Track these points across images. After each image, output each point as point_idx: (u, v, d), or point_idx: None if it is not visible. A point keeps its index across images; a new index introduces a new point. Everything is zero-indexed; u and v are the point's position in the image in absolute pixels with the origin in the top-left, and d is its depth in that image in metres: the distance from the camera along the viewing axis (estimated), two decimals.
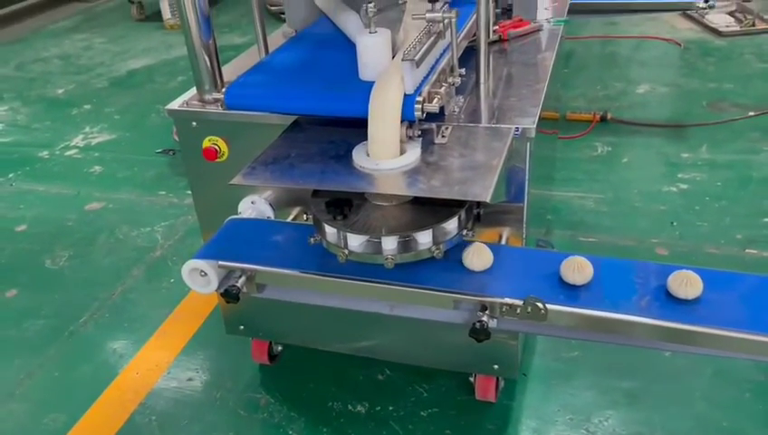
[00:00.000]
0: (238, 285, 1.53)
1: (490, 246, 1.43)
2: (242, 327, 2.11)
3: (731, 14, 4.93)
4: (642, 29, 4.81)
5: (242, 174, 1.42)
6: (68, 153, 3.82)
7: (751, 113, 3.53)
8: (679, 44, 4.54)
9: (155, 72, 4.97)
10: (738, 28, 4.69)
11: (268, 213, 1.81)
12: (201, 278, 1.57)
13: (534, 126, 1.49)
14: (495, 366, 1.87)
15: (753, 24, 4.71)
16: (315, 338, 2.08)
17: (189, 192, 3.25)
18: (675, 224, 2.72)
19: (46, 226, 3.10)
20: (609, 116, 3.57)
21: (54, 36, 5.99)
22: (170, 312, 2.50)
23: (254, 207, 1.81)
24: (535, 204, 2.00)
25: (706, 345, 1.27)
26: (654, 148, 3.33)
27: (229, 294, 1.53)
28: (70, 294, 2.64)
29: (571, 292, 1.35)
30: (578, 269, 1.35)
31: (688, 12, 4.83)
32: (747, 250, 2.52)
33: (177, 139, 3.45)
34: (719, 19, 4.82)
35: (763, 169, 3.05)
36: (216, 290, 1.57)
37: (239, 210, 1.81)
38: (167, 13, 5.86)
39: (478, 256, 1.40)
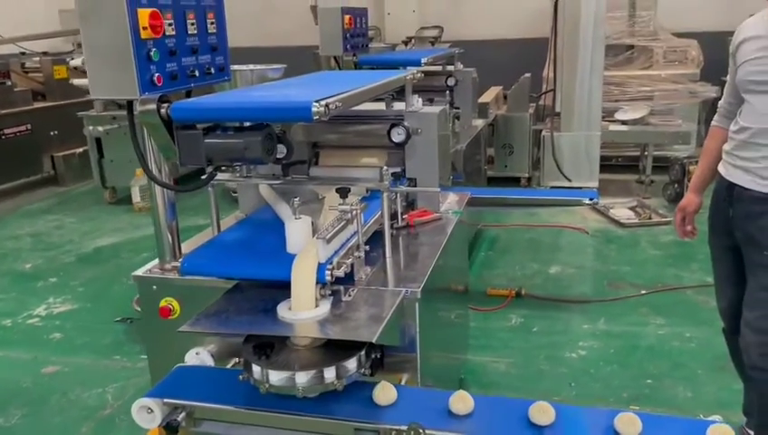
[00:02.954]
0: (179, 419, 1.84)
1: (472, 395, 1.73)
2: None
3: (632, 208, 5.73)
4: (557, 219, 5.53)
5: (188, 323, 1.80)
6: (30, 321, 4.09)
7: (643, 292, 4.09)
8: (587, 232, 5.24)
9: (121, 250, 5.40)
10: (637, 220, 5.45)
11: (209, 362, 2.15)
12: (148, 415, 1.87)
13: (419, 289, 1.94)
14: None
15: (650, 218, 5.48)
16: None
17: (143, 356, 3.55)
18: (573, 385, 3.11)
19: (2, 387, 3.30)
20: (523, 292, 4.08)
21: (29, 217, 6.46)
22: None
23: (198, 357, 2.15)
24: (438, 361, 2.40)
25: None
26: (560, 320, 3.81)
27: (170, 427, 1.84)
28: None
29: (538, 431, 1.65)
30: (543, 412, 1.67)
31: (596, 207, 5.61)
32: (631, 406, 2.90)
33: (137, 307, 3.84)
34: (621, 213, 5.60)
35: (648, 339, 3.52)
36: (159, 425, 1.87)
37: (185, 360, 2.15)
38: (136, 197, 6.43)
39: (463, 403, 1.72)
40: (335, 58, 4.29)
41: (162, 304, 2.15)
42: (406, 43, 6.95)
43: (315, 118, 1.69)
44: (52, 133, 7.57)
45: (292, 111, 1.73)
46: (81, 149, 7.53)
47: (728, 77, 2.36)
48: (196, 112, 1.82)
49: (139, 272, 2.19)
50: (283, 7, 8.84)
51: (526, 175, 6.68)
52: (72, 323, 4.05)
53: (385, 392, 1.73)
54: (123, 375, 3.39)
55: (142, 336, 2.33)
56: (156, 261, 2.22)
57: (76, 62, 6.57)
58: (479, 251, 4.92)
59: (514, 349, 3.49)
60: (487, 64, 5.91)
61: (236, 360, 2.14)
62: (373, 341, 1.64)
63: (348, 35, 4.20)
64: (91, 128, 6.46)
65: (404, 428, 1.69)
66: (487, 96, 6.30)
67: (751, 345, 2.18)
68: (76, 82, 6.48)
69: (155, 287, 2.16)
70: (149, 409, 1.86)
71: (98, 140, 6.59)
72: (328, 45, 4.19)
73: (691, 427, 1.70)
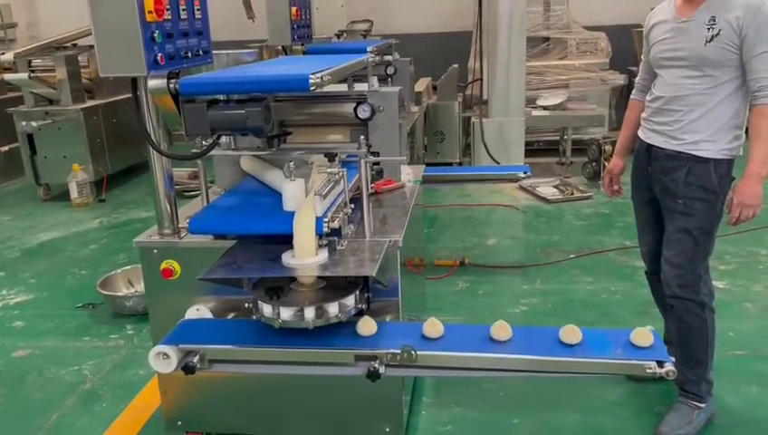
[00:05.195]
0: (194, 361, 2.07)
1: (512, 325, 2.03)
2: (180, 423, 2.55)
3: (556, 186, 6.24)
4: (490, 198, 5.97)
5: (204, 273, 2.03)
6: None
7: (571, 256, 4.57)
8: (518, 209, 5.71)
9: (66, 243, 5.38)
10: (561, 197, 5.96)
11: (209, 317, 2.37)
12: (163, 361, 2.08)
13: (401, 238, 2.24)
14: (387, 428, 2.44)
15: (572, 194, 6.01)
16: (238, 424, 2.55)
17: (113, 336, 3.69)
18: None
19: None
20: (466, 261, 4.46)
21: None
22: (105, 429, 2.84)
23: (199, 313, 2.37)
24: (411, 311, 2.70)
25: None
26: (502, 283, 4.21)
27: (188, 368, 2.06)
28: (8, 424, 2.90)
29: (569, 348, 1.97)
30: (573, 333, 1.98)
31: (523, 186, 6.09)
32: None
33: (101, 291, 3.94)
34: (547, 190, 6.10)
35: (580, 294, 3.99)
36: (175, 368, 2.08)
37: (186, 316, 2.36)
38: (74, 192, 6.39)
39: (503, 330, 2.00)
40: (283, 48, 4.51)
41: (164, 265, 2.35)
42: (338, 36, 7.20)
43: (312, 88, 1.95)
44: None
45: (293, 82, 1.99)
46: (6, 148, 7.33)
47: (643, 56, 2.79)
48: (204, 86, 2.04)
49: (141, 238, 2.38)
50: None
51: (457, 160, 7.10)
52: (33, 311, 4.09)
53: (434, 327, 2.04)
54: (97, 353, 3.50)
55: (145, 297, 2.50)
56: (154, 228, 2.41)
57: (8, 56, 6.46)
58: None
59: (464, 308, 3.86)
60: (415, 57, 6.25)
61: (234, 314, 2.37)
62: (373, 274, 1.93)
63: (295, 26, 4.44)
64: (23, 123, 6.34)
65: (398, 351, 1.99)
66: (418, 87, 6.66)
67: (670, 278, 2.61)
68: (8, 76, 6.40)
69: (156, 251, 2.35)
70: (165, 354, 2.07)
71: (30, 137, 6.49)
72: (276, 36, 4.41)
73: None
